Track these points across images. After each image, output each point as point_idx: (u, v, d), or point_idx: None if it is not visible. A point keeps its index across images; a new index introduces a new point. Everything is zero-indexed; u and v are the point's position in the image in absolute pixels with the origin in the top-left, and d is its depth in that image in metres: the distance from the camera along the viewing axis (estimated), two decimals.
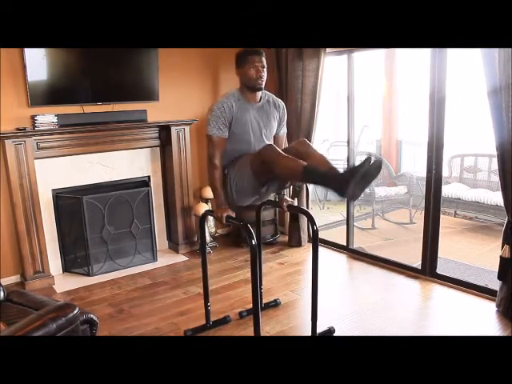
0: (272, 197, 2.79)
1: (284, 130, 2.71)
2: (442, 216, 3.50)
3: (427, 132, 3.32)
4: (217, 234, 4.53)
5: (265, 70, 2.44)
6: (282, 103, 2.64)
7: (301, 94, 4.02)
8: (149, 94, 4.00)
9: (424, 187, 3.53)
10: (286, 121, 2.70)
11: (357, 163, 2.01)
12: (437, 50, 3.15)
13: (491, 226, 4.99)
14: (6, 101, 3.43)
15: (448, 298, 3.24)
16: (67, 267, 3.94)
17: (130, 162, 4.11)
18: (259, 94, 2.52)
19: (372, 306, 3.16)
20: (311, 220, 2.60)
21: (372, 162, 2.00)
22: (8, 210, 3.58)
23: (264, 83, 2.46)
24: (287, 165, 2.15)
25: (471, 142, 5.59)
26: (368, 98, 6.03)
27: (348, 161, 4.11)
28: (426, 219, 3.48)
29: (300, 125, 4.06)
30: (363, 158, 2.02)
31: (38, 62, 3.45)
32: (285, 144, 2.76)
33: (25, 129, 3.45)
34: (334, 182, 2.04)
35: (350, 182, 1.96)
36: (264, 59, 2.44)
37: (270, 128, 2.58)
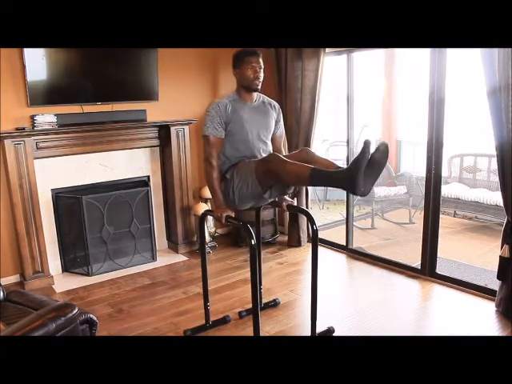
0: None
1: (281, 131, 2.72)
2: (441, 216, 3.51)
3: (427, 132, 3.32)
4: (216, 234, 4.53)
5: (262, 70, 2.46)
6: (276, 104, 2.67)
7: (300, 93, 4.01)
8: (148, 94, 4.00)
9: (423, 187, 3.53)
10: (282, 121, 2.71)
11: (359, 153, 1.91)
12: (437, 50, 3.15)
13: (491, 226, 5.00)
14: (5, 100, 3.42)
15: (447, 298, 3.24)
16: (67, 267, 3.94)
17: (129, 162, 4.11)
18: (255, 94, 2.55)
19: (372, 305, 3.16)
20: (311, 220, 2.60)
21: (376, 147, 1.91)
22: (8, 209, 3.58)
23: (260, 84, 2.47)
24: (294, 171, 2.12)
25: (471, 142, 5.60)
26: (368, 97, 6.03)
27: (347, 161, 4.11)
28: (425, 219, 3.48)
29: (299, 125, 4.06)
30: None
31: (37, 62, 3.44)
32: (284, 145, 2.76)
33: (24, 129, 3.44)
34: (342, 181, 1.98)
35: (358, 178, 1.89)
36: (261, 60, 2.46)
37: (267, 127, 2.58)
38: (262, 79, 2.47)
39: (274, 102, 2.66)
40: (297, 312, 3.15)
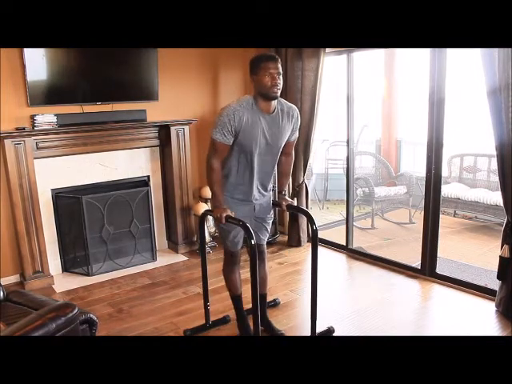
0: (272, 196, 2.79)
1: (295, 136, 2.62)
2: (441, 216, 3.51)
3: (427, 132, 3.32)
4: (216, 234, 4.52)
5: (280, 77, 2.31)
6: (295, 112, 2.51)
7: (300, 93, 4.02)
8: (148, 94, 3.99)
9: (423, 187, 3.53)
10: (298, 127, 2.59)
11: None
12: (437, 50, 3.15)
13: (491, 226, 5.00)
14: (5, 100, 3.42)
15: (447, 298, 3.24)
16: (67, 267, 3.94)
17: (129, 162, 4.10)
18: (273, 103, 2.39)
19: (371, 305, 3.16)
20: (311, 220, 2.60)
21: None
22: (7, 209, 3.58)
23: (279, 91, 2.32)
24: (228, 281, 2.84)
25: (471, 141, 5.60)
26: (368, 97, 6.02)
27: (347, 160, 4.11)
28: (425, 219, 3.48)
29: (300, 125, 4.05)
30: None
31: (37, 62, 3.44)
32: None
33: (24, 128, 3.44)
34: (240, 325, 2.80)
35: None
36: (280, 65, 2.31)
37: (277, 141, 2.47)
38: (280, 86, 2.31)
39: (292, 111, 2.49)
40: (297, 312, 3.15)
